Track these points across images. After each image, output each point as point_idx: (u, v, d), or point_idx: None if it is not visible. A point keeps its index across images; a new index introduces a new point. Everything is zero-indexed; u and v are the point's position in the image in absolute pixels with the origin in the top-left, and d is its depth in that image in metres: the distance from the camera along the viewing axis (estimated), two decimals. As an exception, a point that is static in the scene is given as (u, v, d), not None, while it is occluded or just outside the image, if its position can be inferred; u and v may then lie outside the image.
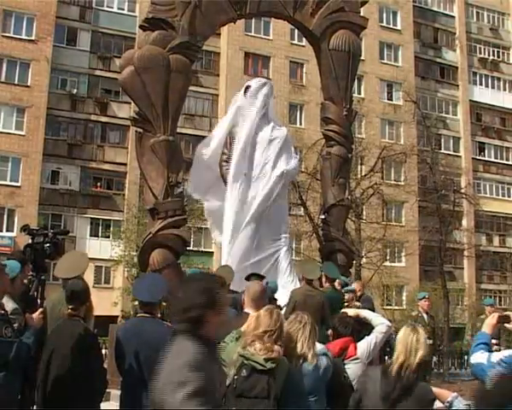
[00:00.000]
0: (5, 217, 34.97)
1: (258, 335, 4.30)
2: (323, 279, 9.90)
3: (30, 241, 5.28)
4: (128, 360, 4.96)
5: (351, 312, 6.04)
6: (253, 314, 4.63)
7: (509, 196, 49.01)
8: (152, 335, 4.90)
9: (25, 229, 5.34)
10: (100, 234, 37.36)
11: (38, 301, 5.21)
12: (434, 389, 4.54)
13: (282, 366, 4.26)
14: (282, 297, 8.90)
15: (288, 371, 4.30)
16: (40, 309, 5.00)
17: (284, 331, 4.47)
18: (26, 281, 5.49)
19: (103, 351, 10.22)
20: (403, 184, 35.33)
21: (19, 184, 35.51)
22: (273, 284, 8.59)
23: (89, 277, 30.18)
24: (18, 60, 36.55)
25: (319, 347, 4.66)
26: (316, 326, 4.66)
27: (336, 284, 9.84)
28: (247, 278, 7.96)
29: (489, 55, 50.40)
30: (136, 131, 11.37)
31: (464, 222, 43.39)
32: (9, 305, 5.06)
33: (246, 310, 5.53)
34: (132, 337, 5.01)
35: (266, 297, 5.74)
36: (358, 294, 11.19)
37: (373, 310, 10.33)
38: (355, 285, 11.45)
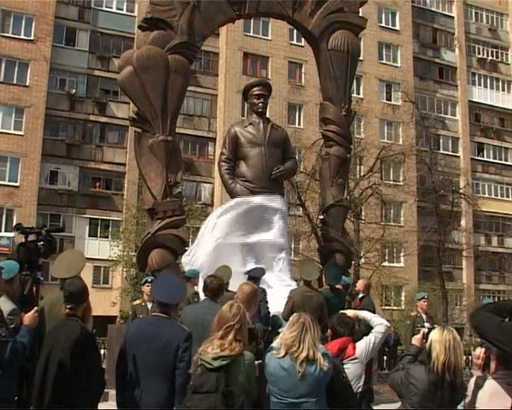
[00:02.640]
0: (4, 217, 34.98)
1: (217, 332, 4.50)
2: (324, 279, 9.90)
3: (23, 240, 5.25)
4: (138, 358, 4.96)
5: (349, 312, 6.04)
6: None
7: (507, 197, 49.04)
8: (164, 336, 4.91)
9: (18, 228, 5.31)
10: (98, 234, 37.34)
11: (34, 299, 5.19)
12: None
13: (239, 362, 4.41)
14: (278, 297, 8.89)
15: (249, 365, 4.46)
16: (35, 308, 4.99)
17: (246, 328, 4.64)
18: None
19: (101, 351, 10.23)
20: (401, 184, 35.35)
21: (17, 184, 35.49)
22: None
23: (87, 277, 30.19)
24: (17, 60, 36.53)
25: (319, 347, 4.67)
26: (318, 327, 4.67)
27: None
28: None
29: (488, 56, 50.44)
30: (134, 132, 11.36)
31: (463, 222, 43.46)
32: (7, 305, 5.03)
33: None
34: (145, 337, 5.01)
35: (258, 299, 5.74)
36: (360, 295, 11.14)
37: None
38: (358, 283, 11.43)
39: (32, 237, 5.19)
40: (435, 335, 4.35)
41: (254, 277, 8.47)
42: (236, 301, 4.87)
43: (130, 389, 4.96)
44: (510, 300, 5.01)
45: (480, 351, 4.31)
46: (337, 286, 9.73)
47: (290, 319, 4.73)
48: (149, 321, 5.39)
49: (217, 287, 6.30)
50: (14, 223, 33.46)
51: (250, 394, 4.56)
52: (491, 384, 3.87)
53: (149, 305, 9.61)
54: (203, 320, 6.01)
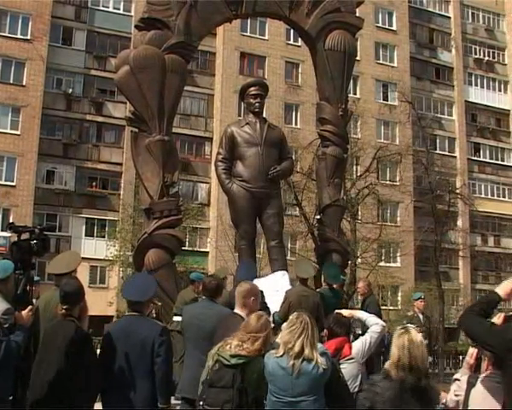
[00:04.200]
0: (0, 217, 34.89)
1: (239, 335, 4.61)
2: (322, 279, 9.88)
3: (16, 239, 5.24)
4: (117, 359, 4.98)
5: (345, 312, 6.05)
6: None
7: (503, 197, 49.14)
8: (139, 333, 4.94)
9: (10, 227, 5.31)
10: (95, 234, 37.30)
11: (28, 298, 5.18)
12: None
13: (255, 363, 4.54)
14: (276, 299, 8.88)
15: (262, 368, 4.55)
16: (29, 307, 4.98)
17: (271, 335, 4.74)
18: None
19: (98, 351, 10.19)
20: (398, 184, 35.39)
21: (14, 184, 35.45)
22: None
23: (84, 277, 30.14)
24: (13, 59, 36.50)
25: (318, 346, 4.68)
26: (317, 327, 4.68)
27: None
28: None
29: (484, 56, 50.52)
30: (131, 131, 11.35)
31: (459, 222, 43.49)
32: (1, 305, 5.00)
33: (235, 310, 5.51)
34: (121, 337, 5.03)
35: (252, 296, 5.70)
36: (361, 297, 11.30)
37: (379, 314, 10.42)
38: (359, 286, 11.55)
39: (25, 236, 5.19)
40: (393, 338, 4.24)
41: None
42: (263, 313, 4.93)
43: (116, 387, 4.98)
44: (490, 293, 4.87)
45: (473, 350, 4.31)
46: (334, 286, 9.74)
47: (290, 317, 4.74)
48: (124, 321, 5.40)
49: (215, 287, 6.27)
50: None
51: (261, 393, 4.64)
52: (483, 383, 3.89)
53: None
54: (199, 320, 6.00)
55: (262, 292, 8.36)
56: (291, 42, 41.13)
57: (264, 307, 8.00)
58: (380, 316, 10.49)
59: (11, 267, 5.25)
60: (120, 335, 5.05)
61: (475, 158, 48.87)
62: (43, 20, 37.33)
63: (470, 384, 4.01)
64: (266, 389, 4.59)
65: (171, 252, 10.72)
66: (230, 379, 4.45)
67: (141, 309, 5.13)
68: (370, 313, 7.29)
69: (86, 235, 37.36)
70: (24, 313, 4.88)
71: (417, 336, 4.24)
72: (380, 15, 46.16)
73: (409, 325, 4.74)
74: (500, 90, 50.89)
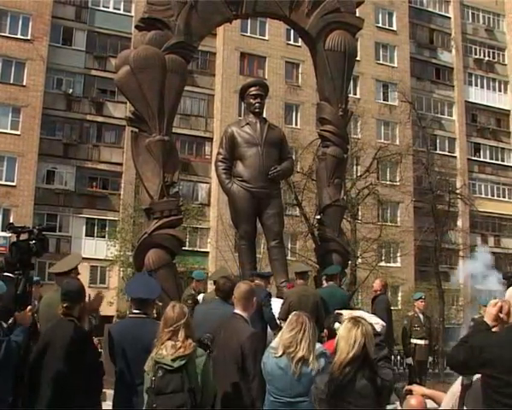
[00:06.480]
0: (0, 217, 34.90)
1: (165, 332, 4.54)
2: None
3: (15, 239, 5.24)
4: (121, 360, 4.97)
5: (345, 312, 6.04)
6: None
7: (503, 197, 49.13)
8: (147, 337, 4.89)
9: (9, 227, 5.31)
10: (95, 234, 37.33)
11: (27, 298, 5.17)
12: (428, 391, 4.51)
13: (194, 358, 4.50)
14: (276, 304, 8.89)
15: (204, 361, 4.55)
16: (29, 307, 4.98)
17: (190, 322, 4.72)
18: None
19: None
20: (398, 184, 35.36)
21: (14, 184, 35.47)
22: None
23: (84, 277, 30.11)
24: (13, 59, 36.53)
25: (317, 346, 4.68)
26: (316, 328, 4.68)
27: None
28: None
29: (484, 56, 50.52)
30: (131, 131, 11.34)
31: (459, 222, 43.52)
32: None
33: (235, 310, 5.52)
34: (127, 339, 5.01)
35: (255, 298, 5.70)
36: (373, 294, 11.63)
37: (387, 311, 10.43)
38: (376, 282, 11.83)
39: (24, 237, 5.19)
40: (340, 332, 3.94)
41: (263, 275, 8.49)
42: (176, 303, 4.93)
43: (124, 390, 4.97)
44: (478, 324, 4.31)
45: None
46: (334, 275, 9.77)
47: (289, 318, 4.74)
48: (129, 322, 5.36)
49: (228, 290, 6.29)
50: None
51: (209, 390, 4.62)
52: (479, 383, 3.87)
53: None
54: (204, 320, 6.01)
55: (269, 294, 8.35)
56: (291, 42, 41.14)
57: (269, 311, 8.00)
58: (389, 314, 10.57)
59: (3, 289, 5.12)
60: (127, 337, 5.02)
61: (475, 158, 48.88)
62: (43, 21, 37.35)
63: (466, 385, 3.97)
64: (211, 384, 4.60)
65: (172, 252, 10.71)
66: (179, 383, 4.39)
67: (146, 309, 5.10)
68: (378, 310, 7.30)
69: (86, 235, 37.39)
70: (24, 313, 4.88)
71: (370, 328, 3.96)
72: (380, 15, 46.17)
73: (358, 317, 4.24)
74: (500, 91, 50.89)
